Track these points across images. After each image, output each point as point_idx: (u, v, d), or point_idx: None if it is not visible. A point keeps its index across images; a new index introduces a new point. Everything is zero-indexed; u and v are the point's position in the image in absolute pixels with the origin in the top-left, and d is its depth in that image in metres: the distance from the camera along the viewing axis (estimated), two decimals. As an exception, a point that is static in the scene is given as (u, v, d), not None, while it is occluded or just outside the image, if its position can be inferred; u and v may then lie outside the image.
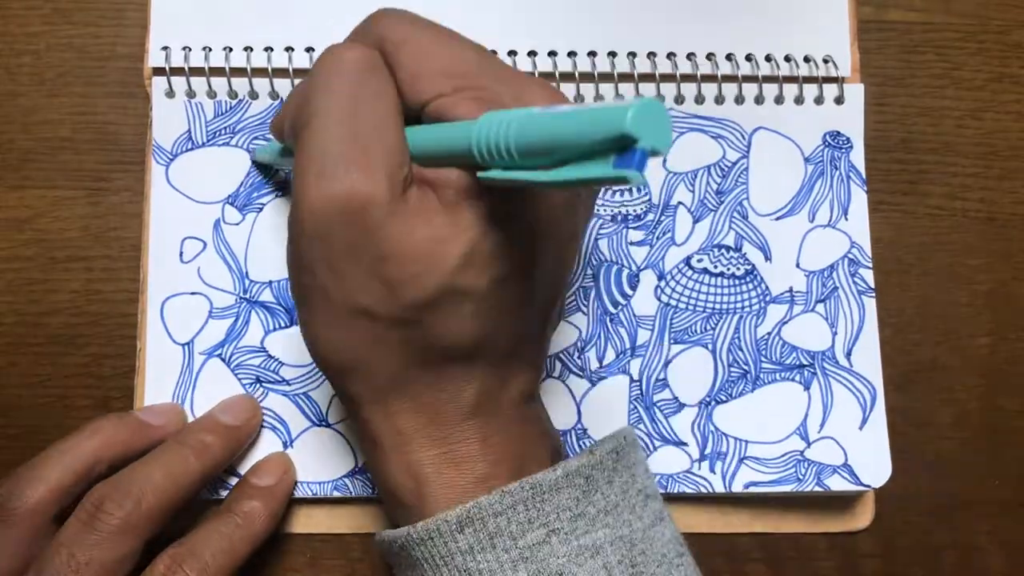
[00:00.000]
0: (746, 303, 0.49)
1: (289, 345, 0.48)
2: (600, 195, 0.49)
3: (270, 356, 0.48)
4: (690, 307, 0.49)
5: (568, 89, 0.50)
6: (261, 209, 0.49)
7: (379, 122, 0.35)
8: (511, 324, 0.37)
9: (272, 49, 0.49)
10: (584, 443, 0.48)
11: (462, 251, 0.34)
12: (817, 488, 0.48)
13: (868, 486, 0.48)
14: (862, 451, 0.48)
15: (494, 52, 0.47)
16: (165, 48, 0.49)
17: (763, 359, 0.49)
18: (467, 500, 0.36)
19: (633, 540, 0.37)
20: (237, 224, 0.49)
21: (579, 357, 0.49)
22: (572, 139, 0.28)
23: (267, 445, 0.48)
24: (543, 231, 0.36)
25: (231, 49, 0.49)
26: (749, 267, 0.49)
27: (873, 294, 0.49)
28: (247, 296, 0.48)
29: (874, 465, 0.48)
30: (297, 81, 0.49)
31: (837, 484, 0.48)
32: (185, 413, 0.47)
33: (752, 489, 0.48)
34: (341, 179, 0.34)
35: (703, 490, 0.48)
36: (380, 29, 0.37)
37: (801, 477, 0.48)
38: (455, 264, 0.34)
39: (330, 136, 0.34)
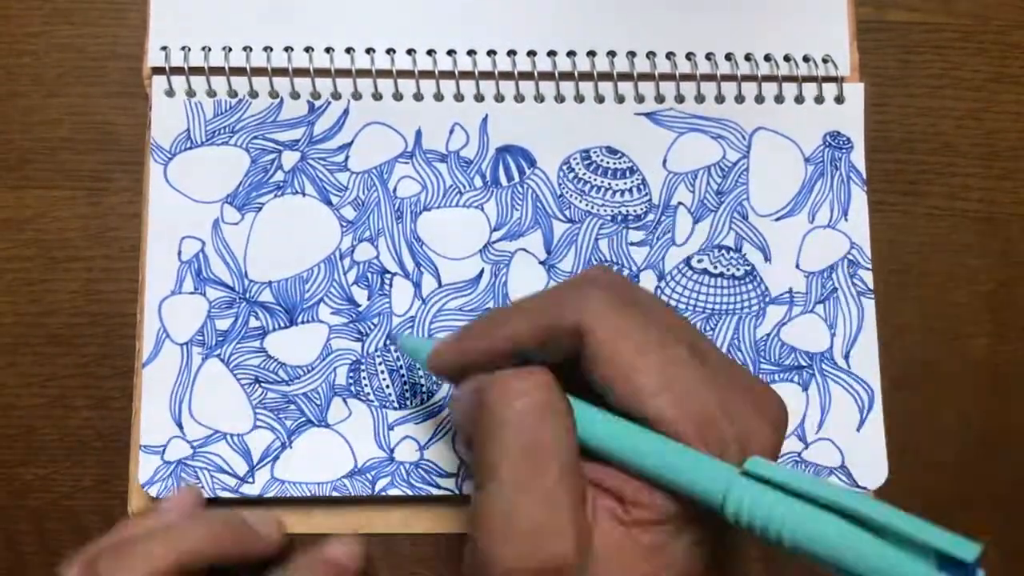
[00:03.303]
0: (746, 304, 0.49)
1: (288, 345, 0.48)
2: (602, 196, 0.49)
3: (269, 356, 0.48)
4: (690, 308, 0.49)
5: (568, 88, 0.50)
6: (260, 209, 0.49)
7: (560, 478, 0.33)
8: None
9: (271, 48, 0.49)
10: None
11: None
12: None
13: (865, 488, 0.48)
14: (859, 453, 0.48)
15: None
16: (164, 48, 0.49)
17: (762, 360, 0.49)
18: None
19: None
20: (236, 224, 0.49)
21: (579, 357, 0.48)
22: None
23: (266, 445, 0.48)
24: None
25: (230, 49, 0.49)
26: (749, 268, 0.49)
27: (872, 295, 0.49)
28: (246, 296, 0.48)
29: (871, 467, 0.48)
30: (297, 81, 0.49)
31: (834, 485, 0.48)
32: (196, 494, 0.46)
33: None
34: (534, 554, 0.32)
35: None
36: (582, 318, 0.34)
37: None
38: None
39: (512, 505, 0.33)
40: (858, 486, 0.48)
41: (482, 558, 0.33)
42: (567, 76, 0.50)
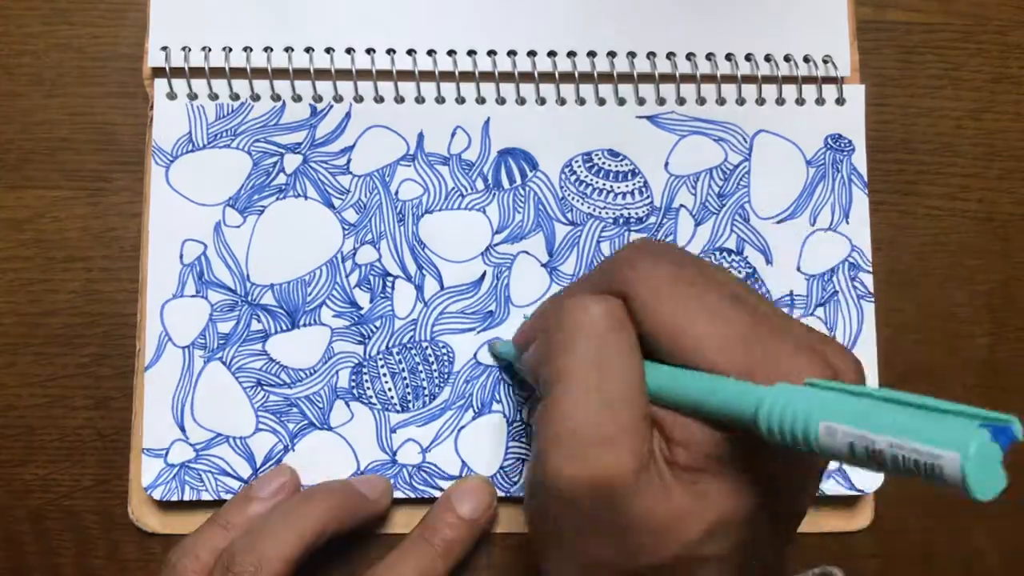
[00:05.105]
0: (747, 306, 0.49)
1: (290, 348, 0.48)
2: (604, 199, 0.49)
3: (271, 359, 0.48)
4: (692, 310, 0.49)
5: (569, 91, 0.50)
6: (262, 212, 0.49)
7: (626, 391, 0.33)
8: (752, 568, 0.35)
9: (271, 49, 0.49)
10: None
11: (703, 528, 0.33)
12: None
13: (862, 491, 0.48)
14: None
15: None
16: (164, 48, 0.49)
17: (764, 362, 0.49)
18: None
19: None
20: (238, 226, 0.48)
21: (581, 360, 0.49)
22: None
23: (269, 448, 0.48)
24: (794, 487, 0.35)
25: (231, 49, 0.49)
26: (750, 270, 0.49)
27: (872, 299, 0.49)
28: (248, 299, 0.48)
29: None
30: (298, 84, 0.49)
31: (832, 488, 0.48)
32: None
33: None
34: (591, 461, 0.32)
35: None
36: (626, 281, 0.35)
37: None
38: (695, 539, 0.33)
39: (577, 408, 0.33)
40: (856, 488, 0.48)
41: (541, 465, 0.34)
42: (568, 78, 0.49)
